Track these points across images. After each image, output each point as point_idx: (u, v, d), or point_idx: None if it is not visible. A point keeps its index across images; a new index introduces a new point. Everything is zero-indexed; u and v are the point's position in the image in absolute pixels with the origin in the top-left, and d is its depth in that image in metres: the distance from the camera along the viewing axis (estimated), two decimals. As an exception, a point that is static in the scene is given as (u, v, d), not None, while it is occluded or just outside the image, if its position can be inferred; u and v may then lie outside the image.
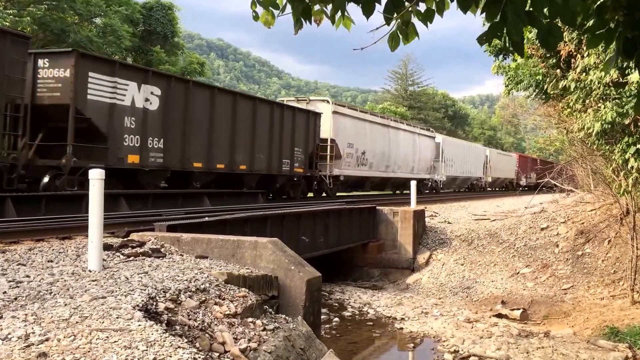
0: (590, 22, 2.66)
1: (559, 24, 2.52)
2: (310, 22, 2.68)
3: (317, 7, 2.66)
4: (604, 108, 7.98)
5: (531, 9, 2.37)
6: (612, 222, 10.13)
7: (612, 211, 10.45)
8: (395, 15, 2.53)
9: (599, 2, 2.55)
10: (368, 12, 2.52)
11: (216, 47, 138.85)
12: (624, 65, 6.82)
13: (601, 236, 10.05)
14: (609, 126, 8.01)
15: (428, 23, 2.58)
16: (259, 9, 2.79)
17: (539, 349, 6.78)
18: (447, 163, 27.76)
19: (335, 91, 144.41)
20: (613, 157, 8.86)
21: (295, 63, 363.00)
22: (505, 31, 2.33)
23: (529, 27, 2.48)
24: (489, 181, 35.79)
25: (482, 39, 2.48)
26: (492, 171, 35.75)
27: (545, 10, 2.38)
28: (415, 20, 2.60)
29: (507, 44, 2.43)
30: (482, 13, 2.41)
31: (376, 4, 2.48)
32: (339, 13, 2.67)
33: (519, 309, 8.50)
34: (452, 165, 28.57)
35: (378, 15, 2.58)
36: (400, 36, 2.61)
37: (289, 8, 2.65)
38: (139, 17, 23.95)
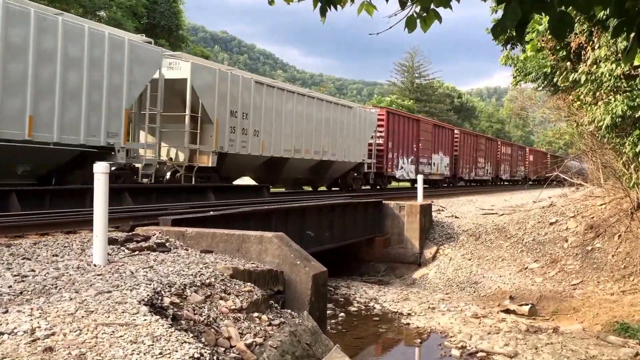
0: (608, 11, 2.58)
1: (571, 13, 2.46)
2: (336, 8, 2.66)
3: None
4: (615, 101, 7.85)
5: None
6: (623, 217, 10.00)
7: (623, 205, 10.31)
8: (410, 1, 2.49)
9: None
10: None
11: (220, 40, 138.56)
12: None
13: (611, 231, 9.92)
14: (620, 119, 7.88)
15: (446, 5, 2.53)
16: None
17: (547, 344, 6.71)
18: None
19: (341, 84, 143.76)
20: (624, 150, 8.73)
21: (300, 55, 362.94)
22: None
23: (538, 18, 2.42)
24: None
25: (497, 30, 2.43)
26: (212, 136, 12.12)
27: None
28: (435, 5, 2.55)
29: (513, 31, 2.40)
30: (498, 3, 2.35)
31: None
32: None
33: (527, 305, 8.41)
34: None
35: (393, 1, 2.53)
36: (419, 21, 2.56)
37: None
38: (142, 11, 23.88)
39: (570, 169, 15.13)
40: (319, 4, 2.60)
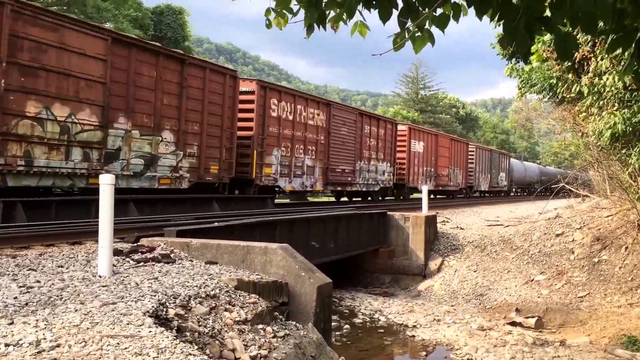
0: (608, 26, 2.60)
1: (575, 33, 2.51)
2: (325, 29, 2.64)
3: (332, 13, 2.62)
4: (614, 116, 7.84)
5: (549, 14, 2.32)
6: (629, 228, 9.91)
7: (629, 217, 10.23)
8: (409, 20, 2.48)
9: (619, 6, 2.50)
10: (385, 17, 2.47)
11: (225, 51, 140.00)
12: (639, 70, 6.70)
13: (618, 242, 9.84)
14: (622, 131, 7.86)
15: (443, 29, 2.52)
16: (273, 16, 2.78)
17: (554, 358, 6.63)
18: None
19: (345, 95, 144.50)
20: (630, 161, 8.69)
21: (305, 65, 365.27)
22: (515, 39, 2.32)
23: (544, 30, 2.43)
24: None
25: (504, 42, 2.46)
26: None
27: (564, 18, 2.34)
28: (429, 26, 2.54)
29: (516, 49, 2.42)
30: (498, 20, 2.37)
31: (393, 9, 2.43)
32: (355, 19, 2.63)
33: (533, 317, 8.32)
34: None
35: (395, 19, 2.53)
36: (410, 42, 2.55)
37: (301, 13, 2.63)
38: (149, 23, 24.21)
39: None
40: (309, 22, 2.60)
